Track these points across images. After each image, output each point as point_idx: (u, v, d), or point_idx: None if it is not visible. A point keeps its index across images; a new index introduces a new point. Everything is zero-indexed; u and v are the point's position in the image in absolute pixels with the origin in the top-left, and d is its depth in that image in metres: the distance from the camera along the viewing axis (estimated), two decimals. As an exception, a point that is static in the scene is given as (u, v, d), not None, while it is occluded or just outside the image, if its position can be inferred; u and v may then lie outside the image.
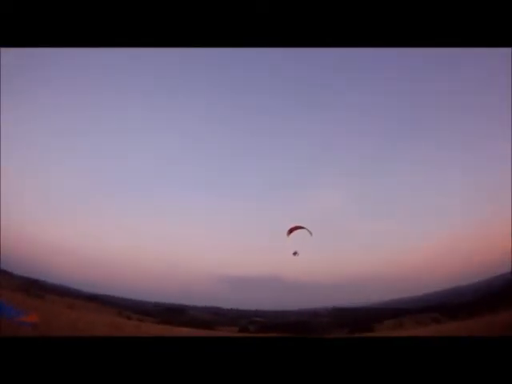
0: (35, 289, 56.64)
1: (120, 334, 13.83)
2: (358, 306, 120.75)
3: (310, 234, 18.52)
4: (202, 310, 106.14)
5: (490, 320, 19.65)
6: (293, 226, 18.69)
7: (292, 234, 18.42)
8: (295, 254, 19.67)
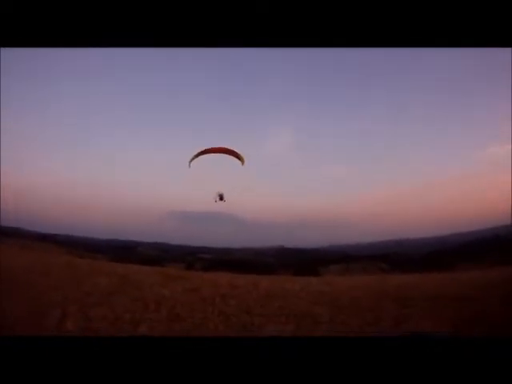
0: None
1: (76, 274, 13.14)
2: (304, 247, 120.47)
3: (242, 162, 12.68)
4: (151, 247, 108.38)
5: (441, 276, 18.85)
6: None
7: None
8: (221, 198, 13.18)
